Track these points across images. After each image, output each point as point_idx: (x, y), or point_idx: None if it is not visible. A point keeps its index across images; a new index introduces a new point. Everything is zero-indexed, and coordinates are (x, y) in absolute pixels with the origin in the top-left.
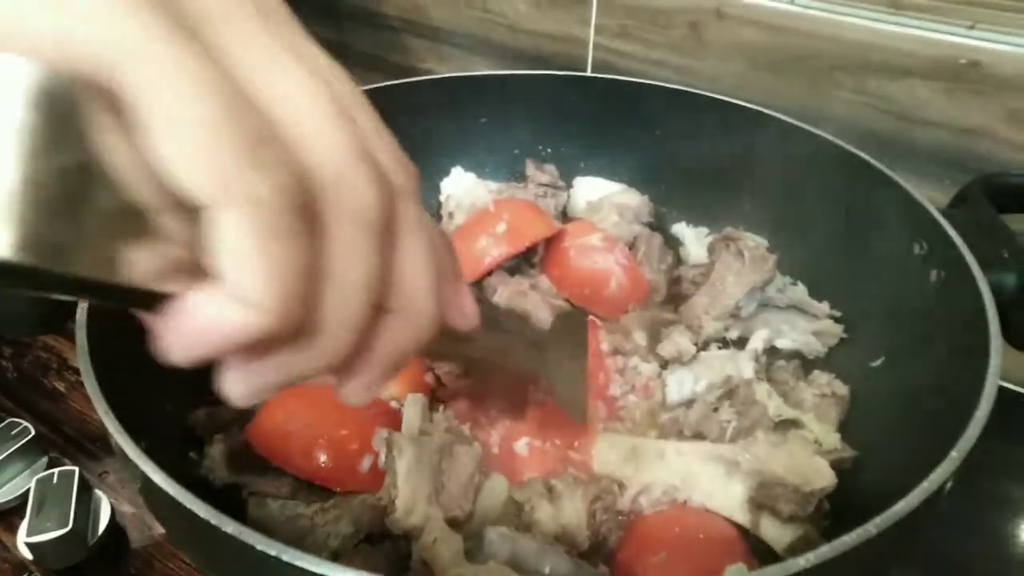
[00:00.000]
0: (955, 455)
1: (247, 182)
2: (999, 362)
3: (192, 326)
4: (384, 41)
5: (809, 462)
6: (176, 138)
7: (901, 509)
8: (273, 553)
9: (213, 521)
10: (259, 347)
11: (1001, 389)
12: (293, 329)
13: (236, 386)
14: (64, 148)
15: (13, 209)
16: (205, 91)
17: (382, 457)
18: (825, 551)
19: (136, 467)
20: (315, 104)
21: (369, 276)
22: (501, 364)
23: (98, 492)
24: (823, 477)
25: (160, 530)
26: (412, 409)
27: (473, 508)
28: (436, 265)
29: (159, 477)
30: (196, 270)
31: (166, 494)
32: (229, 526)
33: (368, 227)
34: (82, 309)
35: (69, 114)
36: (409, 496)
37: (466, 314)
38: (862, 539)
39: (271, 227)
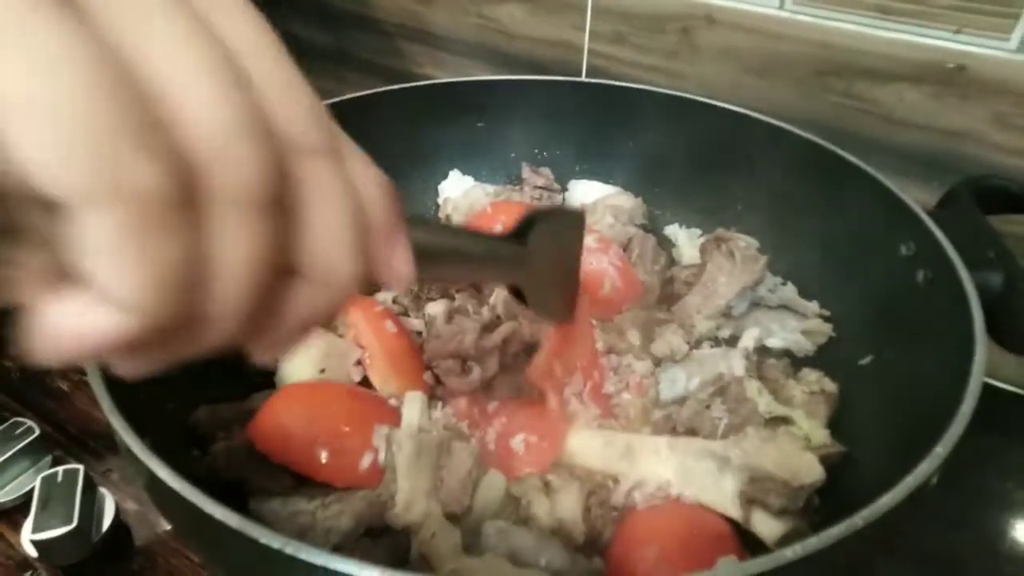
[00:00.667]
0: (940, 451)
1: (116, 176)
2: (984, 359)
3: (55, 332)
4: (382, 47)
5: (798, 457)
6: (27, 122)
7: (887, 502)
8: (276, 546)
9: (218, 515)
10: (138, 343)
11: (988, 386)
12: (173, 323)
13: (124, 368)
14: None
15: None
16: (65, 62)
17: (382, 454)
18: (813, 542)
19: (141, 463)
20: (198, 70)
21: (256, 255)
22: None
23: (102, 490)
24: (812, 472)
25: (164, 527)
26: (411, 406)
27: (471, 503)
28: (359, 222)
29: (164, 472)
30: (52, 270)
31: (171, 489)
32: (233, 519)
33: (251, 204)
34: None
35: None
36: (408, 491)
37: (398, 272)
38: (849, 531)
39: (143, 224)
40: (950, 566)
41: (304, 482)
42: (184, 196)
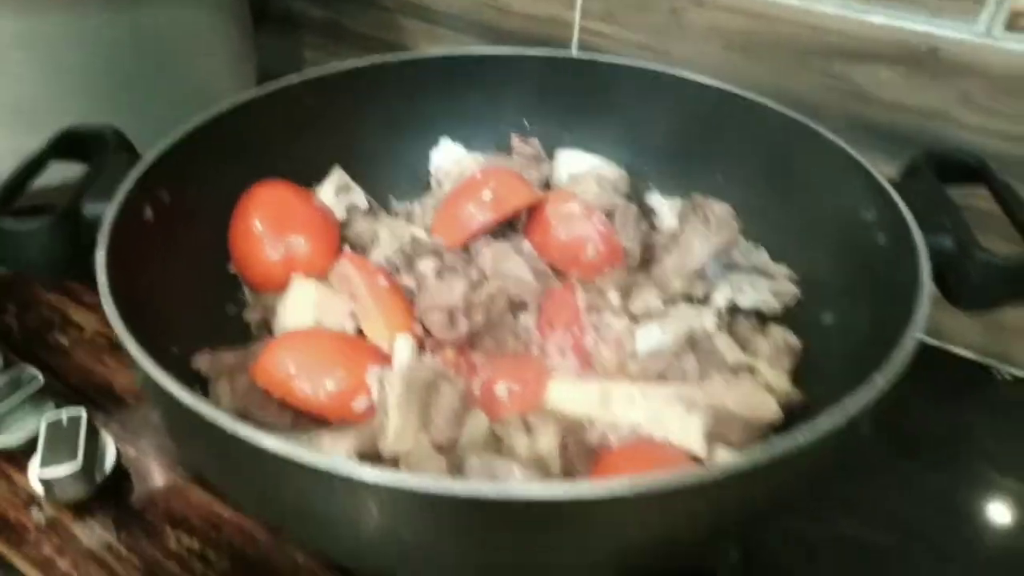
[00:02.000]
0: (879, 381)
1: None
2: (927, 307)
3: None
4: (378, 21)
5: (757, 397)
6: None
7: (825, 424)
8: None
9: (230, 429)
10: None
11: (955, 356)
12: None
13: None
14: None
15: None
16: None
17: (374, 392)
18: (741, 460)
19: (154, 383)
20: None
21: None
22: None
23: (104, 434)
24: (769, 410)
25: (164, 473)
26: (402, 348)
27: (457, 437)
28: None
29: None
30: None
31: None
32: (242, 429)
33: None
34: (101, 256)
35: None
36: (399, 423)
37: None
38: (790, 446)
39: None
40: (899, 524)
41: (303, 418)
42: None
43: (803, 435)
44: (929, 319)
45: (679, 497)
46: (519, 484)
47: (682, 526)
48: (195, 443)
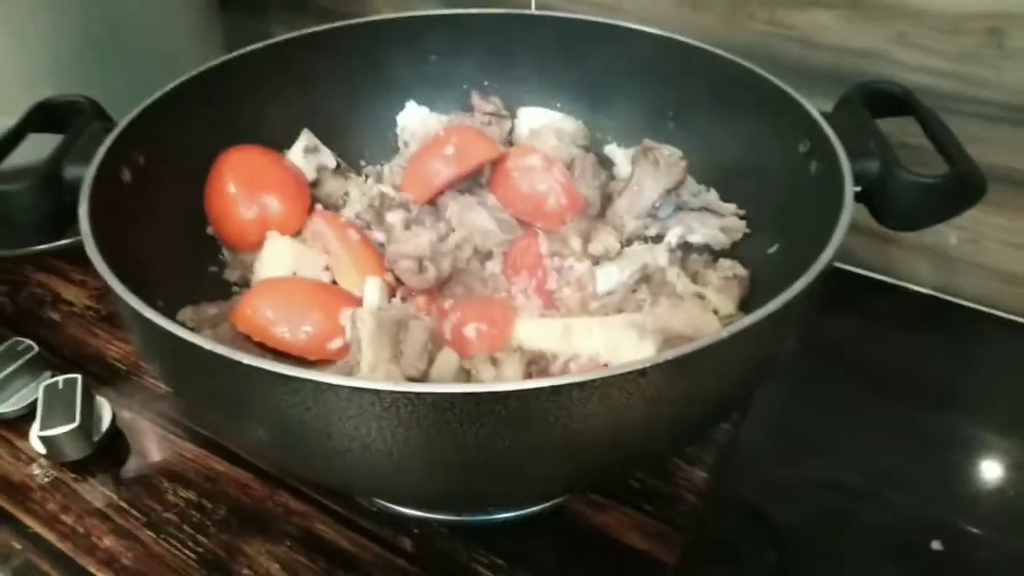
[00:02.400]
0: (797, 286)
1: None
2: (848, 219)
3: None
4: None
5: (701, 317)
6: None
7: (752, 317)
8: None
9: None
10: None
11: (904, 289)
12: None
13: None
14: None
15: None
16: None
17: (348, 330)
18: (671, 352)
19: (144, 320)
20: None
21: None
22: None
23: (100, 398)
24: (712, 327)
25: (158, 432)
26: (371, 289)
27: (427, 369)
28: None
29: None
30: None
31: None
32: (220, 348)
33: None
34: (84, 209)
35: None
36: (372, 357)
37: None
38: (714, 340)
39: None
40: (807, 439)
41: (282, 358)
42: None
43: (726, 332)
44: (881, 256)
45: (614, 387)
46: (471, 385)
47: (618, 422)
48: (175, 370)
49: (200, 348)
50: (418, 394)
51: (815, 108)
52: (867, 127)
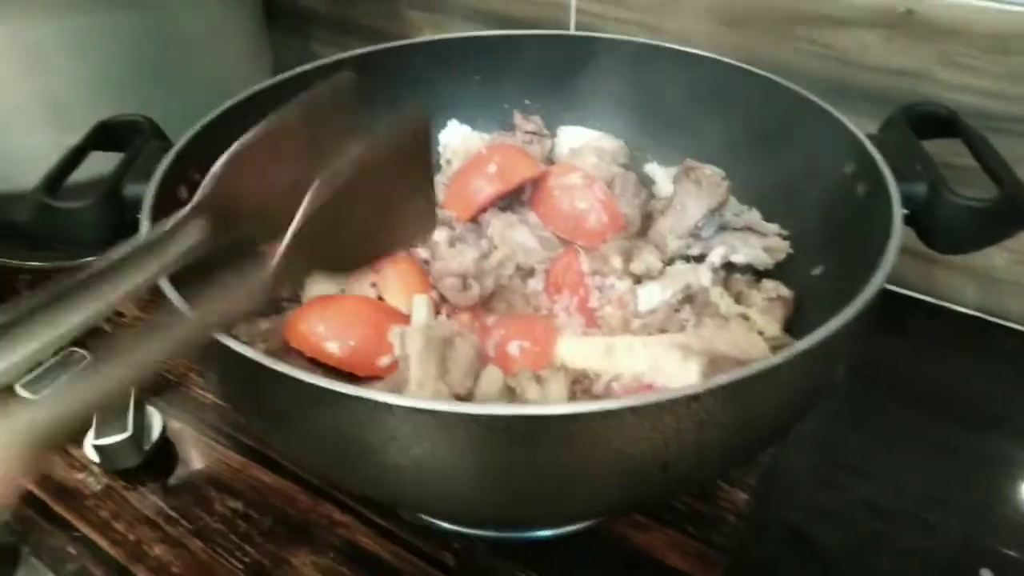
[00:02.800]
0: (850, 310)
1: None
2: (898, 243)
3: None
4: (384, 14)
5: (748, 339)
6: None
7: (802, 345)
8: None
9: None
10: None
11: (949, 311)
12: None
13: None
14: None
15: None
16: None
17: (396, 348)
18: (724, 377)
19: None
20: None
21: None
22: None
23: (150, 407)
24: (759, 349)
25: (206, 442)
26: (420, 306)
27: (473, 387)
28: None
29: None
30: None
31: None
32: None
33: None
34: (145, 227)
35: None
36: (420, 374)
37: None
38: (765, 367)
39: None
40: (850, 463)
41: (332, 376)
42: None
43: (779, 358)
44: (925, 276)
45: (667, 411)
46: (523, 406)
47: (668, 446)
48: (234, 383)
49: (265, 367)
50: (474, 415)
51: (864, 130)
52: (914, 149)
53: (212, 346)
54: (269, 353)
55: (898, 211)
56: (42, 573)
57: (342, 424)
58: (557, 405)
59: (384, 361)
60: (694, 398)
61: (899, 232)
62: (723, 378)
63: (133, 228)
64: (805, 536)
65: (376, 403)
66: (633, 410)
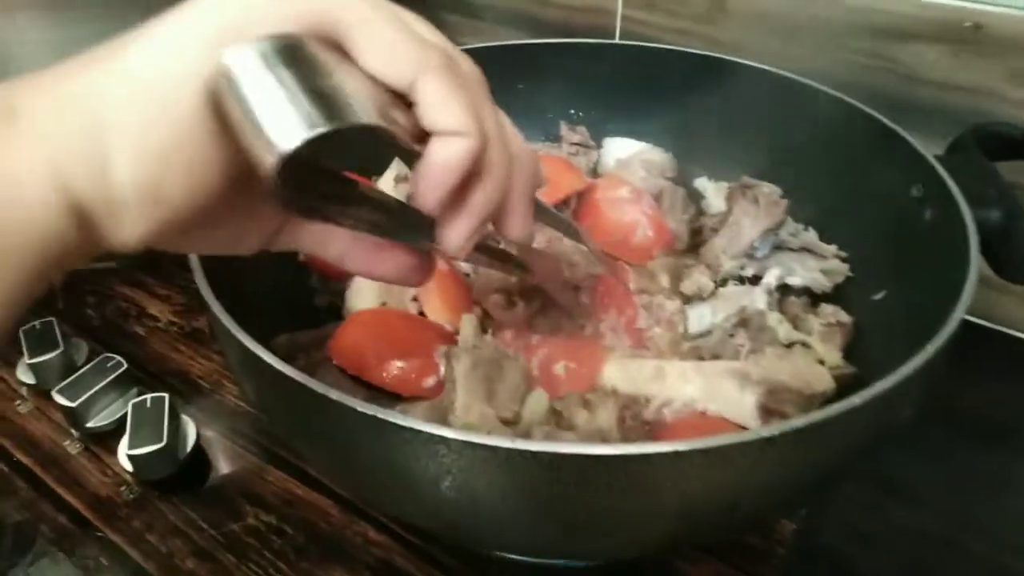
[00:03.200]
0: (929, 348)
1: (426, 59)
2: (975, 279)
3: (432, 167)
4: (425, 18)
5: (811, 369)
6: (378, 52)
7: (878, 388)
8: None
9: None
10: (468, 178)
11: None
12: (481, 156)
13: (454, 234)
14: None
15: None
16: (389, 22)
17: (442, 369)
18: (797, 422)
19: (234, 338)
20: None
21: (507, 129)
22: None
23: (184, 416)
24: (823, 381)
25: (240, 453)
26: (467, 326)
27: (520, 411)
28: (527, 169)
29: (269, 357)
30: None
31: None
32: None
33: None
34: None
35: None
36: (466, 397)
37: (520, 221)
38: (843, 410)
39: (450, 81)
40: (967, 521)
41: (375, 395)
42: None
43: (859, 398)
44: (981, 300)
45: (739, 453)
46: (588, 444)
47: (738, 488)
48: (282, 409)
49: (314, 391)
50: (533, 452)
51: (927, 149)
52: (986, 173)
53: (253, 364)
54: (309, 367)
55: (974, 240)
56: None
57: (393, 455)
58: (622, 445)
59: (430, 382)
60: (769, 440)
61: (976, 263)
62: (800, 420)
63: None
64: (852, 566)
65: (432, 436)
66: (703, 452)
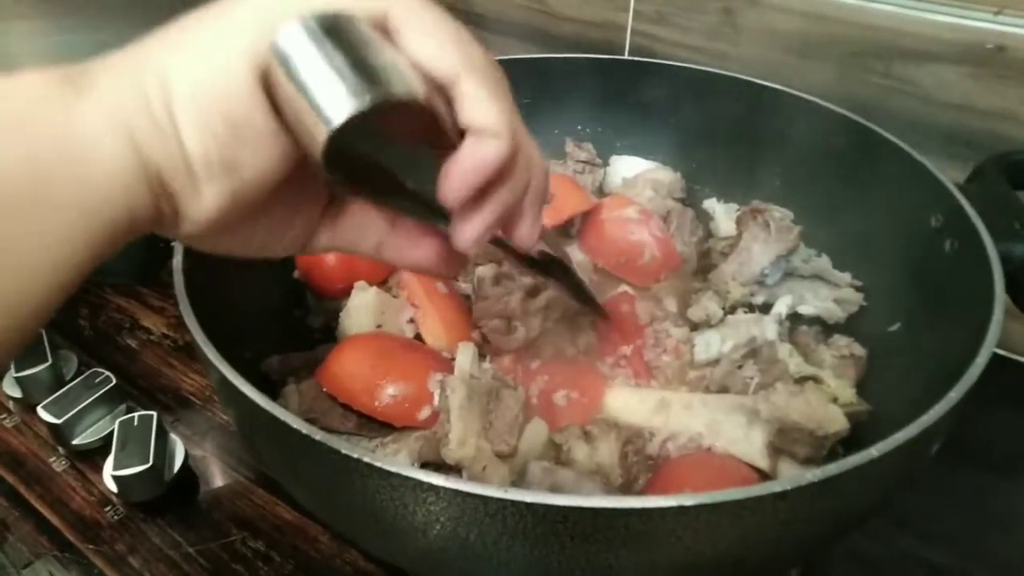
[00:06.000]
0: (953, 395)
1: (469, 58)
2: (1001, 317)
3: (464, 162)
4: None
5: (824, 409)
6: (425, 42)
7: (900, 437)
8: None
9: (304, 430)
10: (492, 180)
11: (1017, 364)
12: (511, 159)
13: (468, 230)
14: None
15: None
16: (437, 19)
17: (436, 398)
18: (816, 473)
19: (237, 391)
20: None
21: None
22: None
23: (173, 436)
24: (837, 422)
25: (229, 474)
26: (463, 355)
27: (517, 444)
28: (539, 179)
29: (252, 393)
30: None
31: (259, 407)
32: (317, 433)
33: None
34: (178, 266)
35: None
36: (462, 430)
37: (529, 230)
38: (863, 460)
39: (493, 82)
40: (972, 551)
41: (367, 423)
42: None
43: (876, 450)
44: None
45: (748, 509)
46: (591, 496)
47: (746, 544)
48: (268, 445)
49: (298, 431)
50: (528, 504)
51: (944, 175)
52: (1009, 203)
53: (235, 397)
54: (301, 395)
55: (999, 277)
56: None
57: (379, 499)
58: (622, 498)
59: (424, 413)
60: (780, 496)
61: (1002, 302)
62: (814, 473)
63: (163, 260)
64: None
65: (420, 483)
66: (710, 508)
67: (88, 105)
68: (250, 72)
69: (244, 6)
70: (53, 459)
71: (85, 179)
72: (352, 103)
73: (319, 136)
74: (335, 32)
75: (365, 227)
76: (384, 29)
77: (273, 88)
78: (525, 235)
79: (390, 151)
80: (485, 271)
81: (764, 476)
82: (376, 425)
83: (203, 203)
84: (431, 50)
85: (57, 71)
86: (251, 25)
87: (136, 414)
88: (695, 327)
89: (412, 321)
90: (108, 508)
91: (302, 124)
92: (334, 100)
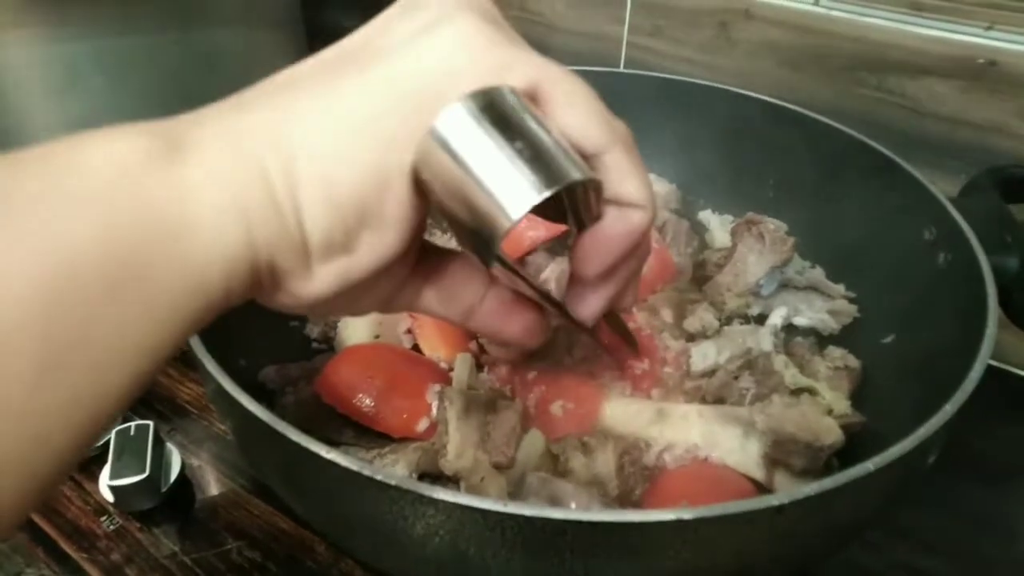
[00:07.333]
0: (948, 408)
1: (613, 128)
2: (994, 330)
3: (608, 233)
4: None
5: (819, 421)
6: (575, 114)
7: (896, 451)
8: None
9: (304, 443)
10: (629, 252)
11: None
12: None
13: (595, 302)
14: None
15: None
16: (582, 88)
17: (434, 408)
18: (813, 487)
19: (234, 401)
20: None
21: None
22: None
23: (169, 445)
24: (832, 434)
25: (226, 484)
26: (461, 366)
27: (515, 456)
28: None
29: (251, 404)
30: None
31: (257, 418)
32: (321, 448)
33: None
34: None
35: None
36: (459, 441)
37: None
38: (861, 474)
39: (637, 155)
40: (969, 561)
41: (365, 434)
42: None
43: (872, 464)
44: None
45: (745, 522)
46: (590, 510)
47: (743, 557)
48: (265, 456)
49: (296, 443)
50: (528, 518)
51: (937, 188)
52: (1002, 217)
53: (232, 407)
54: (299, 406)
55: (992, 290)
56: None
57: (378, 512)
58: (621, 512)
59: (422, 425)
60: (779, 510)
61: (995, 315)
62: (812, 488)
63: None
64: None
65: (420, 496)
66: (709, 521)
67: (189, 172)
68: (397, 165)
69: (375, 76)
70: None
71: (184, 258)
72: (533, 194)
73: (498, 229)
74: (494, 110)
75: (460, 293)
76: (533, 99)
77: (426, 172)
78: (629, 302)
79: None
80: None
81: (760, 487)
82: (374, 436)
83: (313, 283)
84: (581, 121)
85: (141, 128)
86: (395, 106)
87: (133, 423)
88: (691, 338)
89: (410, 332)
90: (104, 518)
91: (472, 213)
92: (513, 191)
